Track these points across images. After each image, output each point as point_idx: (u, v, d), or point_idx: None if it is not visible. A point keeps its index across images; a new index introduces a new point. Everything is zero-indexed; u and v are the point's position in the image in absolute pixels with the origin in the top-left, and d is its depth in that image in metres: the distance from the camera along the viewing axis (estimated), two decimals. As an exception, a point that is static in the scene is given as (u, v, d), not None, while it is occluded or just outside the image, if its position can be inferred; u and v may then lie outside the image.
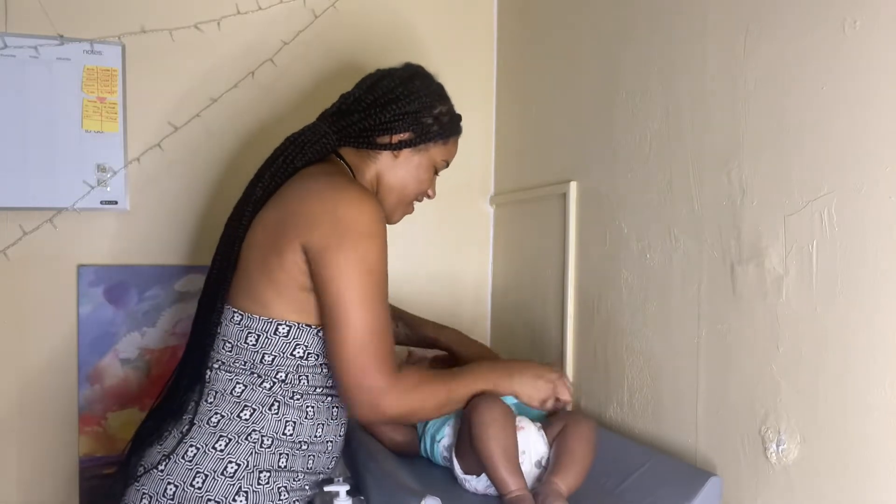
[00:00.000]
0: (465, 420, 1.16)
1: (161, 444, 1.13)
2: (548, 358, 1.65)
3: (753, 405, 1.06)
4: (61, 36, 1.57)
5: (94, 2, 1.61)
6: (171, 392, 1.21)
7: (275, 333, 1.12)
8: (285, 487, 1.12)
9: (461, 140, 1.92)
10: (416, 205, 1.38)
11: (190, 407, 1.14)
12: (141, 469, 1.13)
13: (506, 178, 1.92)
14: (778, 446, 1.01)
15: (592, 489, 1.19)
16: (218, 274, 1.19)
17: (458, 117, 1.33)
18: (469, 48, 1.95)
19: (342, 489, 1.13)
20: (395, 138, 1.24)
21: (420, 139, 1.25)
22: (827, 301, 0.94)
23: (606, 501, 1.15)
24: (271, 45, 1.73)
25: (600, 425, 1.39)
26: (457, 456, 1.19)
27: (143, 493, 1.09)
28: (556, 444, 1.17)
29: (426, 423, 1.29)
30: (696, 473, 1.10)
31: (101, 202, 1.61)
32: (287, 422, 1.13)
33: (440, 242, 1.93)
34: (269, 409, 1.12)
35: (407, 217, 1.40)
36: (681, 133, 1.22)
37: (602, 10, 1.47)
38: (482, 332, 1.98)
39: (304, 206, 1.12)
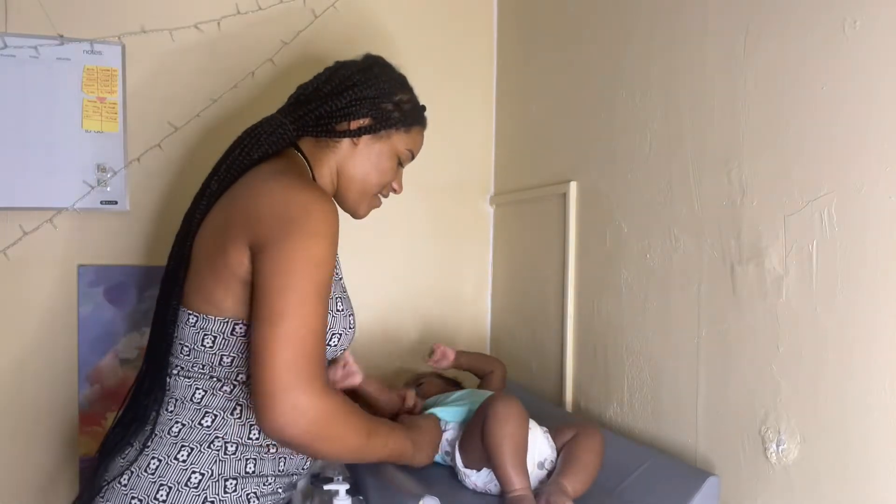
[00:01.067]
0: (479, 413, 1.17)
1: (123, 456, 1.09)
2: (548, 357, 1.65)
3: (753, 405, 1.06)
4: (61, 36, 1.57)
5: (94, 2, 1.61)
6: (133, 400, 1.17)
7: (232, 333, 1.07)
8: (254, 493, 1.08)
9: (461, 139, 1.93)
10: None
11: (151, 416, 1.10)
12: (104, 482, 1.08)
13: (506, 178, 1.92)
14: (778, 446, 1.01)
15: (592, 489, 1.19)
16: (171, 273, 1.15)
17: (422, 108, 1.28)
18: (469, 48, 1.95)
19: (342, 488, 1.13)
20: (354, 124, 1.19)
21: (380, 125, 1.20)
22: (827, 301, 0.94)
23: (606, 501, 1.15)
24: (271, 45, 1.73)
25: (600, 425, 1.40)
26: (460, 449, 1.19)
27: None
28: (566, 450, 1.18)
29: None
30: (694, 473, 1.10)
31: (101, 202, 1.61)
32: (252, 426, 1.08)
33: (440, 242, 1.93)
34: (232, 414, 1.08)
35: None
36: (681, 133, 1.22)
37: (602, 10, 1.47)
38: (482, 333, 1.98)
39: (252, 204, 1.06)
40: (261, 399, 0.95)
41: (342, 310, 1.15)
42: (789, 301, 1.00)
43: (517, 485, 1.09)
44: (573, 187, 1.54)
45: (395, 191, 1.29)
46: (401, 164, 1.27)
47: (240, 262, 1.04)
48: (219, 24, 1.69)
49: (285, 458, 1.13)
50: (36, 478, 1.61)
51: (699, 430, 1.18)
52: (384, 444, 1.09)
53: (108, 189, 1.61)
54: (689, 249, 1.20)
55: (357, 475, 1.25)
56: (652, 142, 1.30)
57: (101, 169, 1.61)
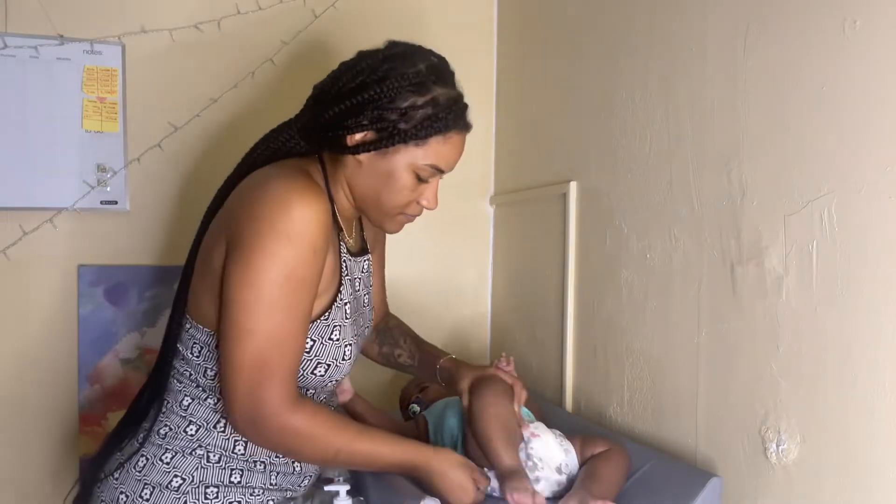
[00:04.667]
0: (468, 405, 1.17)
1: (120, 451, 1.10)
2: (548, 357, 1.65)
3: (753, 405, 1.06)
4: (61, 36, 1.57)
5: (94, 2, 1.61)
6: (139, 397, 1.17)
7: (217, 347, 1.03)
8: (238, 502, 1.06)
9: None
10: None
11: (150, 415, 1.11)
12: (101, 475, 1.09)
13: (506, 178, 1.92)
14: (778, 446, 1.01)
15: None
16: (182, 277, 1.14)
17: (449, 109, 1.06)
18: (469, 48, 1.95)
19: (342, 489, 1.13)
20: (351, 140, 1.03)
21: (384, 141, 1.02)
22: (827, 301, 0.94)
23: (607, 502, 1.15)
24: (271, 45, 1.73)
25: (600, 426, 1.40)
26: (464, 447, 1.20)
27: (101, 500, 1.07)
28: (595, 463, 1.16)
29: (435, 419, 1.30)
30: (696, 474, 1.10)
31: (101, 202, 1.61)
32: (236, 441, 1.06)
33: (440, 242, 1.93)
34: (216, 427, 1.06)
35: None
36: (681, 133, 1.22)
37: (602, 11, 1.47)
38: (482, 333, 1.98)
39: (234, 201, 1.03)
40: (227, 407, 0.99)
41: (338, 339, 1.07)
42: (789, 301, 1.00)
43: (506, 459, 1.08)
44: (573, 187, 1.54)
45: (426, 207, 1.11)
46: (424, 180, 1.07)
47: (221, 265, 1.00)
48: (219, 24, 1.69)
49: (277, 474, 1.10)
50: (36, 478, 1.61)
51: (699, 430, 1.18)
52: (365, 459, 1.06)
53: (108, 189, 1.61)
54: (689, 249, 1.20)
55: (357, 475, 1.25)
56: (652, 142, 1.30)
57: (101, 169, 1.61)
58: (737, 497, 1.08)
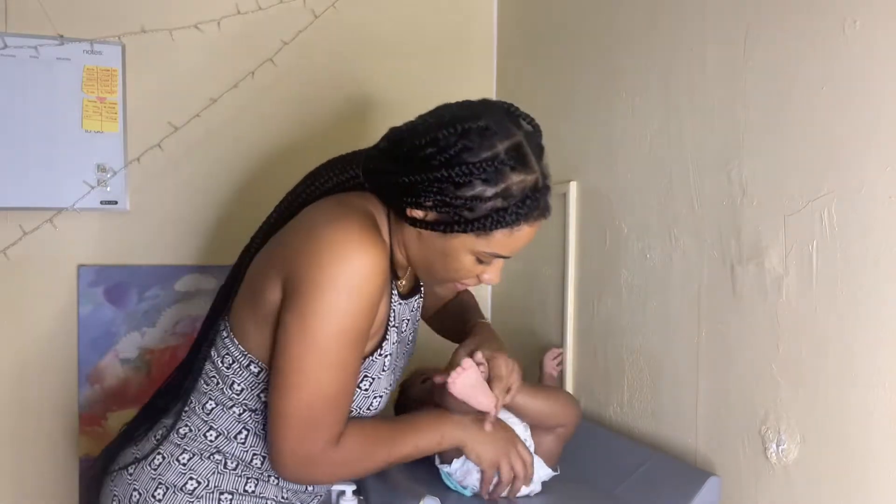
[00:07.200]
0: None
1: (136, 446, 1.09)
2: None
3: (753, 405, 1.06)
4: (61, 36, 1.57)
5: (94, 2, 1.61)
6: (157, 393, 1.17)
7: (247, 368, 1.04)
8: None
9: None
10: None
11: (172, 412, 1.10)
12: (115, 466, 1.09)
13: (506, 178, 1.92)
14: (778, 446, 1.02)
15: (592, 489, 1.19)
16: (224, 288, 1.13)
17: (521, 202, 0.93)
18: (469, 49, 1.95)
19: (349, 488, 1.13)
20: (411, 213, 0.96)
21: (444, 226, 0.95)
22: (827, 301, 0.94)
23: (606, 501, 1.15)
24: (271, 45, 1.73)
25: (600, 425, 1.40)
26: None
27: (114, 495, 1.07)
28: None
29: None
30: (695, 474, 1.10)
31: (101, 202, 1.61)
32: (255, 454, 1.05)
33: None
34: (236, 438, 1.05)
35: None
36: (681, 133, 1.22)
37: (602, 11, 1.47)
38: (482, 332, 1.98)
39: (292, 238, 1.00)
40: (272, 452, 0.98)
41: (367, 390, 1.04)
42: (789, 301, 1.00)
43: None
44: (573, 187, 1.54)
45: (485, 283, 1.03)
46: (484, 262, 0.99)
47: (275, 300, 0.98)
48: (219, 24, 1.69)
49: (289, 489, 1.10)
50: (36, 478, 1.61)
51: (699, 430, 1.18)
52: (413, 449, 1.06)
53: (108, 189, 1.61)
54: (689, 249, 1.20)
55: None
56: (652, 142, 1.30)
57: (101, 169, 1.61)
58: (737, 497, 1.08)
